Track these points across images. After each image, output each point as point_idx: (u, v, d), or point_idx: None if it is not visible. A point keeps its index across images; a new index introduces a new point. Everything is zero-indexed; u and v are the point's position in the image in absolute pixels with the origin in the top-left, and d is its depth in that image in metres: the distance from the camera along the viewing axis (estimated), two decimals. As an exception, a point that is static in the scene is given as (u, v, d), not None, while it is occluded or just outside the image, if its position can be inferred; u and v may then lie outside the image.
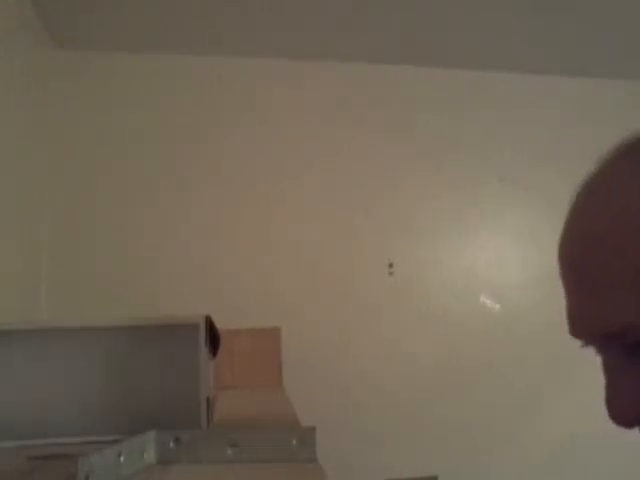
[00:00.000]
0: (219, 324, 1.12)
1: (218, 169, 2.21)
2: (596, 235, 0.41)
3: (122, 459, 0.68)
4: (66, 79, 2.13)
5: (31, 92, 1.94)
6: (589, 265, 0.42)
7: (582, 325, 0.44)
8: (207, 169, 2.20)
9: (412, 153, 2.35)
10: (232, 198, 2.19)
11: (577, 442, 2.16)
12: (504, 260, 2.34)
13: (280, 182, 2.24)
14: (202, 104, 2.22)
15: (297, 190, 2.24)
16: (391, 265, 2.24)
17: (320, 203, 2.24)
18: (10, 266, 1.68)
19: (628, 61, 2.44)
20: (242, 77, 2.28)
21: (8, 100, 1.69)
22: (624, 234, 0.39)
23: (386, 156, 2.33)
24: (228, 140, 2.23)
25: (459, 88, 2.44)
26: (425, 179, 2.34)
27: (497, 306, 2.28)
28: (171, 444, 0.75)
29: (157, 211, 2.13)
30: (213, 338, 1.07)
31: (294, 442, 0.75)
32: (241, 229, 2.17)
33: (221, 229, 2.16)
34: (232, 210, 2.18)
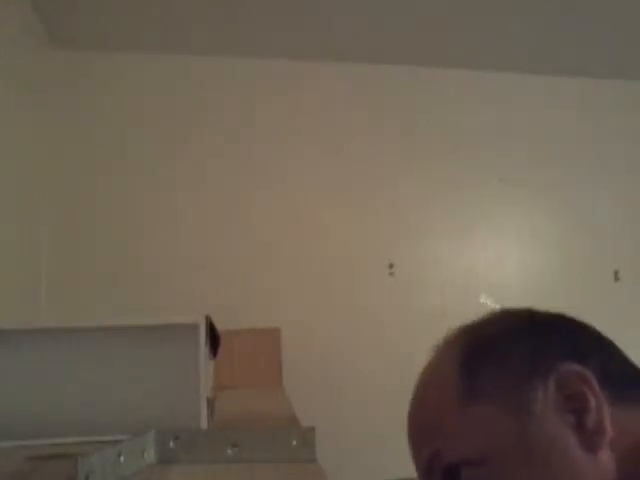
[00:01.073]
0: (219, 324, 1.12)
1: (218, 169, 2.21)
2: (417, 389, 0.61)
3: (122, 459, 0.68)
4: (66, 79, 2.13)
5: (31, 92, 1.94)
6: (417, 412, 0.59)
7: (416, 462, 0.58)
8: (207, 169, 2.20)
9: (412, 153, 2.35)
10: (232, 198, 2.19)
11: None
12: (504, 260, 2.34)
13: (280, 182, 2.24)
14: (202, 104, 2.22)
15: (297, 190, 2.24)
16: (391, 265, 2.24)
17: (320, 203, 2.24)
18: (10, 266, 1.68)
19: (628, 61, 2.44)
20: (242, 77, 2.28)
21: (8, 100, 1.69)
22: (430, 386, 0.59)
23: (386, 156, 2.33)
24: (228, 140, 2.23)
25: (459, 88, 2.44)
26: (425, 179, 2.34)
27: (497, 306, 2.27)
28: (171, 444, 0.75)
29: (157, 211, 2.13)
30: (213, 338, 1.07)
31: (294, 442, 0.74)
32: (241, 229, 2.17)
33: (221, 229, 2.16)
34: (232, 211, 2.18)
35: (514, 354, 0.54)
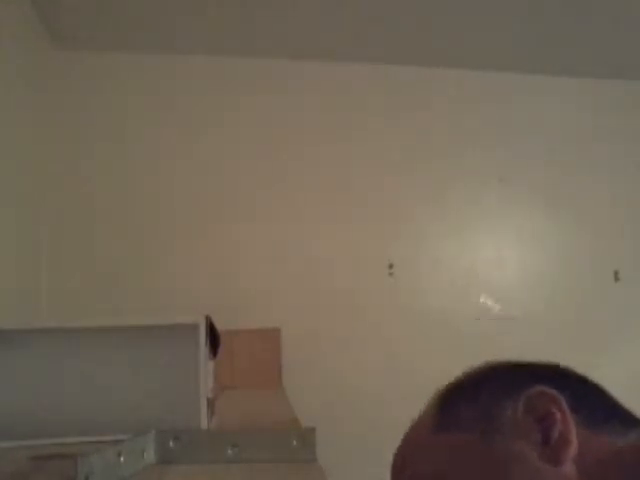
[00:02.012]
0: (219, 324, 1.12)
1: (218, 169, 2.21)
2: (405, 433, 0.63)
3: (122, 459, 0.68)
4: (66, 79, 2.13)
5: (31, 92, 1.94)
6: (399, 448, 0.62)
7: None
8: (207, 169, 2.20)
9: (412, 153, 2.35)
10: (231, 198, 2.19)
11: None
12: (504, 260, 2.34)
13: (280, 182, 2.24)
14: (202, 104, 2.22)
15: (297, 191, 2.24)
16: (391, 266, 2.24)
17: (320, 203, 2.24)
18: (10, 266, 1.68)
19: (628, 61, 2.44)
20: (242, 77, 2.28)
21: (8, 100, 1.69)
22: (413, 425, 0.62)
23: (386, 156, 2.33)
24: (228, 140, 2.23)
25: (459, 88, 2.44)
26: (425, 179, 2.34)
27: (497, 306, 2.28)
28: (171, 444, 0.75)
29: (157, 210, 2.13)
30: (213, 338, 1.07)
31: (294, 442, 0.75)
32: (241, 230, 2.17)
33: (221, 229, 2.16)
34: (231, 210, 2.18)
35: (488, 385, 0.58)
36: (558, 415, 0.50)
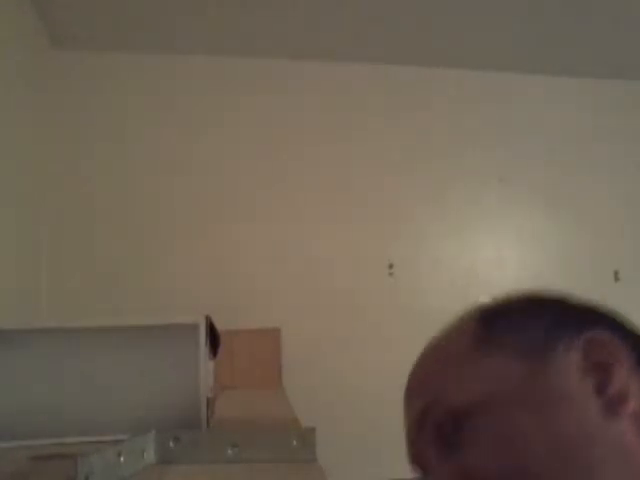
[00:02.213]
0: (219, 324, 1.12)
1: (218, 169, 2.21)
2: (425, 348, 0.58)
3: (122, 459, 0.68)
4: (66, 79, 2.13)
5: (31, 92, 1.94)
6: (421, 366, 0.57)
7: (408, 416, 0.54)
8: (206, 168, 2.20)
9: (412, 153, 2.35)
10: (231, 198, 2.19)
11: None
12: (504, 260, 2.34)
13: (280, 182, 2.24)
14: (202, 104, 2.22)
15: (297, 191, 2.24)
16: (391, 266, 2.24)
17: (320, 203, 2.24)
18: (10, 266, 1.68)
19: (628, 61, 2.44)
20: (242, 77, 2.28)
21: (8, 100, 1.69)
22: (440, 341, 0.56)
23: (386, 156, 2.33)
24: (227, 140, 2.23)
25: (459, 88, 2.44)
26: (425, 179, 2.34)
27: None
28: (171, 444, 0.75)
29: (157, 211, 2.13)
30: (213, 338, 1.07)
31: (294, 442, 0.74)
32: (241, 230, 2.17)
33: (220, 229, 2.16)
34: (231, 211, 2.18)
35: (540, 315, 0.51)
36: (619, 365, 0.45)
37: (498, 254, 2.34)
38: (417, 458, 0.53)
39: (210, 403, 0.97)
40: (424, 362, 0.56)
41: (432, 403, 0.50)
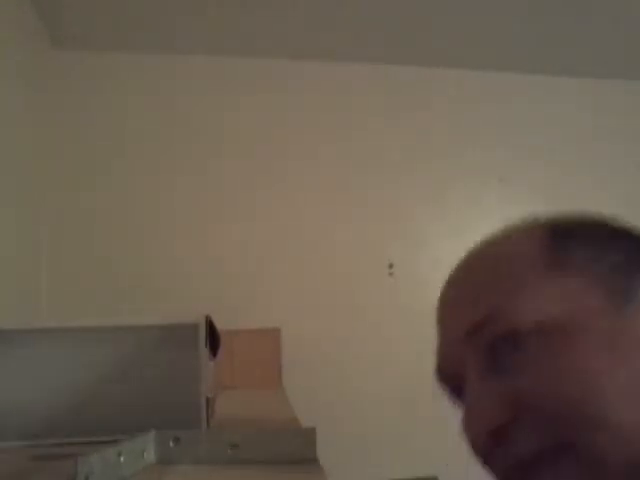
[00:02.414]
0: (219, 324, 1.12)
1: (218, 169, 2.21)
2: (477, 248, 0.52)
3: (122, 459, 0.68)
4: (66, 79, 2.13)
5: (31, 92, 1.94)
6: (475, 266, 0.49)
7: (450, 336, 0.48)
8: (206, 168, 2.20)
9: (412, 153, 2.36)
10: (232, 197, 2.19)
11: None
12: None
13: (280, 182, 2.24)
14: (202, 104, 2.22)
15: (297, 190, 2.24)
16: (391, 266, 2.24)
17: (320, 203, 2.24)
18: (10, 266, 1.68)
19: (628, 61, 2.44)
20: (242, 77, 2.28)
21: (7, 100, 1.69)
22: (498, 244, 0.50)
23: (386, 156, 2.33)
24: (228, 139, 2.23)
25: (459, 88, 2.44)
26: (425, 179, 2.34)
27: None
28: (171, 444, 0.75)
29: (157, 211, 2.13)
30: (213, 338, 1.07)
31: (294, 442, 0.74)
32: (241, 229, 2.17)
33: (220, 229, 2.16)
34: (231, 211, 2.18)
35: (619, 238, 0.46)
36: None
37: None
38: (451, 372, 0.49)
39: (210, 403, 0.97)
40: (480, 268, 0.48)
41: (491, 317, 0.44)
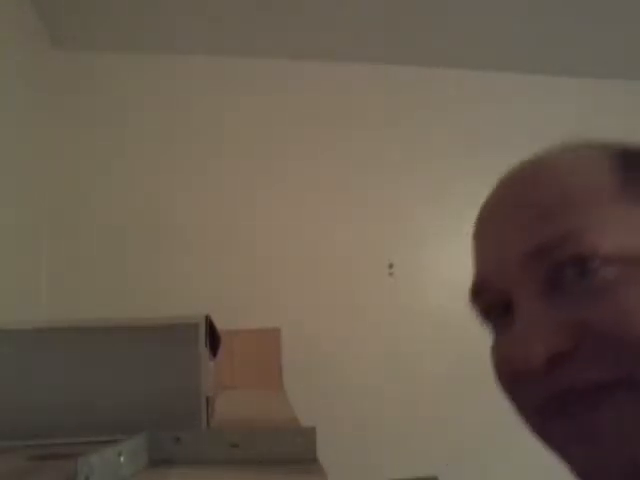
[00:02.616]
0: (219, 324, 1.12)
1: (218, 169, 2.21)
2: (537, 166, 0.47)
3: (122, 459, 0.68)
4: (66, 79, 2.13)
5: (31, 92, 1.94)
6: (539, 184, 0.45)
7: (505, 253, 0.44)
8: (206, 168, 2.20)
9: (412, 153, 2.36)
10: (232, 197, 2.19)
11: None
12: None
13: (281, 182, 2.24)
14: (202, 104, 2.22)
15: (297, 190, 2.24)
16: (391, 266, 2.24)
17: (320, 203, 2.24)
18: (10, 266, 1.68)
19: (628, 61, 2.44)
20: (242, 77, 2.28)
21: (8, 101, 1.69)
22: (562, 165, 0.46)
23: (386, 156, 2.33)
24: (228, 139, 2.23)
25: (459, 88, 2.44)
26: (425, 179, 2.34)
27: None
28: (171, 444, 0.75)
29: (156, 211, 2.13)
30: (213, 338, 1.07)
31: (294, 442, 0.74)
32: (241, 229, 2.17)
33: (220, 229, 2.16)
34: (232, 210, 2.18)
35: None
36: None
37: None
38: (495, 291, 0.46)
39: (210, 403, 0.97)
40: (547, 190, 0.44)
41: (561, 240, 0.41)
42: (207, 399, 0.93)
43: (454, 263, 2.31)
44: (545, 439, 0.45)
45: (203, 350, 0.94)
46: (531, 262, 0.42)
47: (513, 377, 0.43)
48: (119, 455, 0.67)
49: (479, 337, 2.04)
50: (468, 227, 2.02)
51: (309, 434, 0.75)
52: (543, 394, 0.42)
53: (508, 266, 0.44)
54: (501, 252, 0.45)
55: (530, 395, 0.43)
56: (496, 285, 0.45)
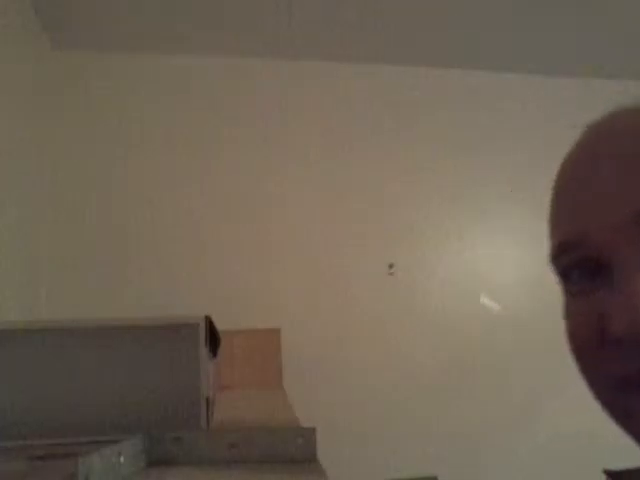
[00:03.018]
0: (219, 324, 1.12)
1: (218, 169, 2.21)
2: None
3: (122, 459, 0.68)
4: (65, 80, 2.13)
5: (31, 94, 1.94)
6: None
7: (608, 206, 0.41)
8: (207, 168, 2.20)
9: (412, 153, 2.35)
10: (232, 198, 2.19)
11: (578, 441, 2.16)
12: (504, 260, 2.34)
13: (281, 182, 2.24)
14: (202, 104, 2.22)
15: (298, 191, 2.24)
16: (391, 266, 2.24)
17: (321, 204, 2.24)
18: (10, 266, 1.68)
19: (627, 61, 2.44)
20: (242, 77, 2.28)
21: (8, 101, 1.69)
22: None
23: (386, 156, 2.33)
24: (228, 140, 2.23)
25: (459, 88, 2.44)
26: (425, 179, 2.34)
27: (497, 306, 2.28)
28: (171, 444, 0.75)
29: (157, 210, 2.13)
30: (213, 338, 1.07)
31: (294, 442, 0.74)
32: (242, 230, 2.17)
33: (221, 230, 2.16)
34: (233, 210, 2.18)
35: None
36: None
37: (498, 254, 2.34)
38: (599, 247, 0.42)
39: (210, 403, 0.97)
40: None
41: None
42: (207, 399, 0.93)
43: (454, 263, 2.31)
44: (620, 414, 0.41)
45: (203, 350, 0.94)
46: (627, 230, 0.39)
47: (596, 344, 0.41)
48: (119, 455, 0.67)
49: (479, 337, 2.06)
50: (467, 228, 2.03)
51: (309, 434, 0.75)
52: (634, 366, 0.39)
53: (617, 224, 0.40)
54: (609, 208, 0.41)
55: (614, 365, 0.40)
56: (596, 242, 0.42)
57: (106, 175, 2.11)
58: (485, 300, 2.28)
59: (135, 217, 2.10)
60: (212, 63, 2.26)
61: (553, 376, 2.21)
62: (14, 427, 0.88)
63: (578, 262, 0.43)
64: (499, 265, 2.33)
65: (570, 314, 0.44)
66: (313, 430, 0.75)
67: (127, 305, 1.96)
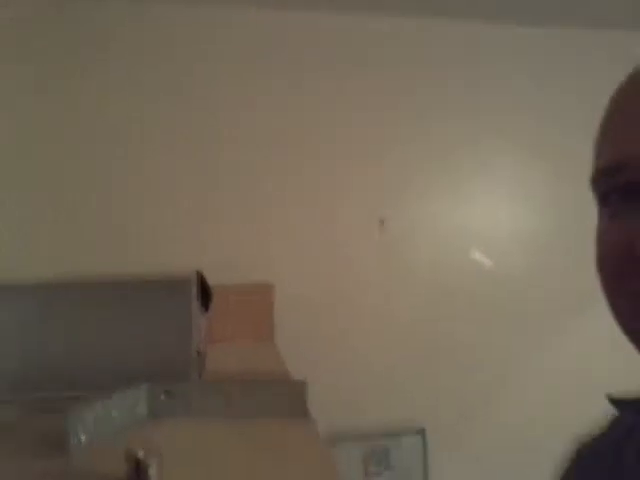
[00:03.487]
0: (212, 280, 1.12)
1: (215, 129, 2.16)
2: None
3: (113, 413, 0.68)
4: (66, 30, 2.06)
5: (31, 44, 1.87)
6: None
7: None
8: (204, 129, 2.15)
9: (405, 108, 2.31)
10: (225, 156, 2.16)
11: (570, 399, 2.20)
12: (496, 216, 2.33)
13: (269, 136, 2.20)
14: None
15: (285, 145, 2.20)
16: (382, 222, 2.23)
17: (309, 157, 2.21)
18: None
19: (622, 11, 2.38)
20: (241, 28, 2.21)
21: (8, 54, 1.64)
22: None
23: (377, 111, 2.28)
24: (222, 95, 2.18)
25: (449, 41, 2.38)
26: (417, 134, 2.31)
27: (489, 262, 2.28)
28: (162, 397, 0.76)
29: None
30: (205, 293, 1.07)
31: (286, 396, 0.75)
32: (232, 186, 2.14)
33: (212, 185, 2.13)
34: (224, 168, 2.15)
35: None
36: None
37: (490, 209, 2.33)
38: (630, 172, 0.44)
39: (201, 357, 0.97)
40: None
41: None
42: (198, 352, 0.93)
43: (445, 219, 2.30)
44: None
45: (194, 305, 0.93)
46: None
47: (626, 264, 0.41)
48: (110, 409, 0.68)
49: (470, 293, 2.06)
50: (459, 182, 2.00)
51: (300, 387, 0.76)
52: None
53: None
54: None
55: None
56: (636, 168, 0.42)
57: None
58: (476, 255, 2.28)
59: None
60: (210, 12, 2.18)
61: (546, 332, 2.24)
62: (7, 381, 0.88)
63: (617, 187, 0.44)
64: (491, 220, 2.33)
65: (603, 237, 0.46)
66: (305, 384, 0.76)
67: (119, 260, 1.95)
